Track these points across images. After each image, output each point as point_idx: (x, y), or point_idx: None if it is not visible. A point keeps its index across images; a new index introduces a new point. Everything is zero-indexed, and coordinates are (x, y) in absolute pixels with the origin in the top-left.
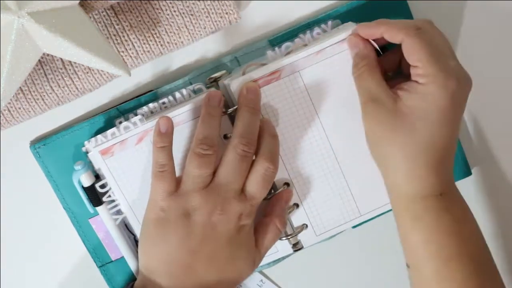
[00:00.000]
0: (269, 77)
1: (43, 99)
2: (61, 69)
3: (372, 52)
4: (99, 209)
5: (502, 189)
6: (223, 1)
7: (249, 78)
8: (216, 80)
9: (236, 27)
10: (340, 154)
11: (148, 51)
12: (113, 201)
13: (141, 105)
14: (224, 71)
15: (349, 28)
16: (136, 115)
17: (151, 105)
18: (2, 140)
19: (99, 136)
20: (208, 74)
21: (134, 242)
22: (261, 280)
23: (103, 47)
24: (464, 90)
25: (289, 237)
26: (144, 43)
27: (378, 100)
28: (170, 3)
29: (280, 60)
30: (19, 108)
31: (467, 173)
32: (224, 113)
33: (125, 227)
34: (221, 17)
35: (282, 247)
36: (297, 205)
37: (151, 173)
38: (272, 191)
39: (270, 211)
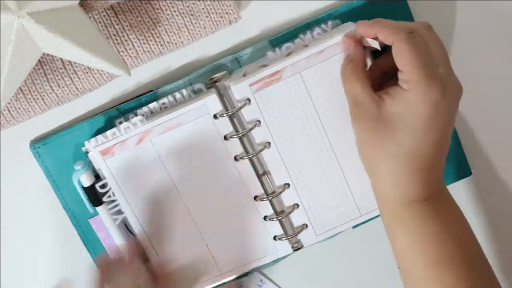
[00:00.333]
0: (270, 78)
1: (43, 99)
2: (61, 69)
3: (361, 56)
4: (99, 209)
5: (502, 189)
6: (223, 1)
7: (251, 80)
8: (216, 81)
9: (236, 27)
10: (340, 154)
11: (148, 51)
12: (113, 201)
13: (141, 105)
14: (224, 72)
15: (349, 28)
16: (136, 115)
17: (151, 105)
18: (2, 140)
19: (99, 136)
20: (208, 74)
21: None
22: (261, 280)
23: (103, 47)
24: (451, 98)
25: (289, 237)
26: (144, 43)
27: (362, 104)
28: (170, 3)
29: (281, 61)
30: (19, 108)
31: (467, 173)
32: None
33: (125, 227)
34: (221, 17)
35: (282, 247)
36: (297, 205)
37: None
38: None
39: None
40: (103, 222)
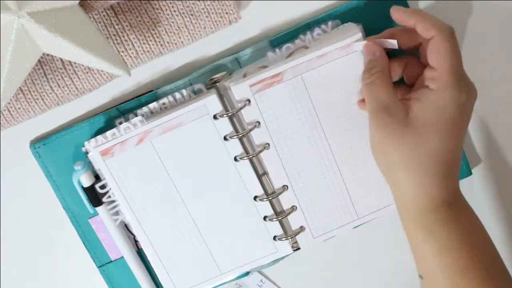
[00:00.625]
0: (271, 80)
1: (43, 99)
2: (61, 69)
3: (386, 60)
4: (99, 209)
5: (503, 189)
6: (223, 1)
7: (251, 81)
8: (216, 81)
9: (236, 27)
10: (339, 158)
11: (148, 51)
12: (113, 201)
13: (141, 105)
14: (224, 72)
15: (350, 28)
16: (136, 115)
17: (151, 105)
18: (2, 140)
19: (99, 136)
20: (208, 75)
21: (134, 242)
22: (261, 280)
23: (103, 47)
24: (471, 102)
25: (289, 237)
26: (144, 43)
27: (389, 110)
28: (170, 3)
29: (282, 63)
30: (19, 108)
31: (467, 173)
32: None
33: (125, 227)
34: (221, 17)
35: (282, 247)
36: (295, 207)
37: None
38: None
39: None
40: (103, 222)
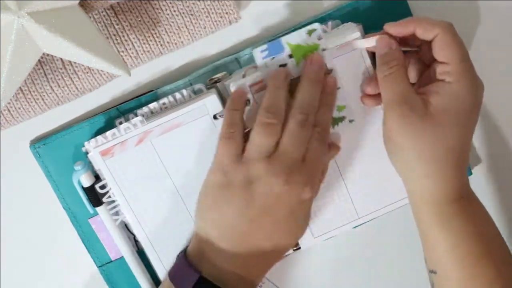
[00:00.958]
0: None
1: (43, 99)
2: (61, 69)
3: (402, 54)
4: (99, 209)
5: (502, 189)
6: (223, 1)
7: (250, 81)
8: (216, 81)
9: (236, 27)
10: (340, 158)
11: (148, 51)
12: (113, 201)
13: (141, 105)
14: (224, 72)
15: (350, 29)
16: (136, 115)
17: (151, 105)
18: (2, 140)
19: (99, 136)
20: (208, 75)
21: (134, 242)
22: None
23: (103, 47)
24: (481, 92)
25: None
26: (144, 43)
27: (409, 102)
28: (170, 3)
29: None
30: (19, 108)
31: (467, 173)
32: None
33: (125, 227)
34: (221, 17)
35: None
36: None
37: (217, 144)
38: None
39: None
40: (103, 222)
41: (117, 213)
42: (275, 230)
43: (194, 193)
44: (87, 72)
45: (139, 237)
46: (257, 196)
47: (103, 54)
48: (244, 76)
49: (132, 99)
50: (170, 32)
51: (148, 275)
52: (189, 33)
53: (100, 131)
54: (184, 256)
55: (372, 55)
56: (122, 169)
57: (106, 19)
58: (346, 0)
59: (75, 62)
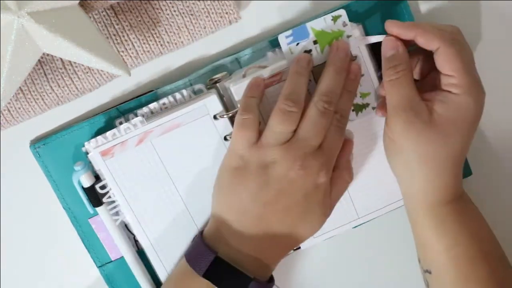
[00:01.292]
0: (270, 79)
1: (43, 99)
2: (61, 69)
3: (408, 56)
4: (99, 209)
5: (502, 189)
6: (223, 1)
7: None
8: (216, 81)
9: (236, 27)
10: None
11: (148, 51)
12: (113, 201)
13: (141, 105)
14: (225, 73)
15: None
16: (136, 115)
17: (151, 105)
18: (2, 140)
19: (99, 137)
20: (208, 75)
21: (134, 242)
22: None
23: (103, 47)
24: (484, 100)
25: None
26: (144, 43)
27: (414, 108)
28: (170, 3)
29: (280, 63)
30: (19, 108)
31: (467, 173)
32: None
33: (125, 227)
34: (221, 17)
35: None
36: None
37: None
38: None
39: (336, 165)
40: (103, 222)
41: (117, 213)
42: (288, 214)
43: (194, 193)
44: (87, 72)
45: (139, 237)
46: (272, 180)
47: (103, 54)
48: (244, 76)
49: (132, 99)
50: (170, 32)
51: (148, 275)
52: (189, 33)
53: (100, 131)
54: (200, 237)
55: (372, 54)
56: (122, 169)
57: (106, 19)
58: (346, 0)
59: (75, 62)
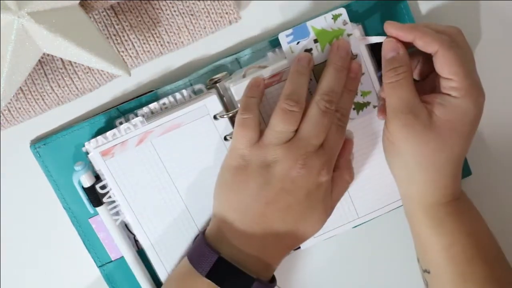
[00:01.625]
0: (270, 79)
1: (43, 99)
2: (61, 69)
3: (408, 58)
4: (99, 209)
5: (502, 189)
6: (223, 1)
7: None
8: (216, 81)
9: (236, 27)
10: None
11: (148, 51)
12: (113, 201)
13: (141, 105)
14: (225, 73)
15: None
16: (136, 115)
17: (151, 105)
18: (2, 140)
19: (99, 137)
20: (208, 75)
21: (134, 242)
22: None
23: (103, 47)
24: (483, 102)
25: None
26: (144, 43)
27: (414, 111)
28: (170, 3)
29: (280, 63)
30: (19, 108)
31: (467, 173)
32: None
33: (125, 227)
34: (221, 17)
35: None
36: None
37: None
38: None
39: (337, 165)
40: (103, 222)
41: (117, 213)
42: (290, 213)
43: (194, 193)
44: (87, 72)
45: (139, 237)
46: (274, 180)
47: (103, 54)
48: (244, 76)
49: (132, 99)
50: (170, 32)
51: (148, 275)
52: (189, 33)
53: (100, 131)
54: (203, 238)
55: (372, 53)
56: (123, 169)
57: (106, 19)
58: (346, 0)
59: (75, 62)
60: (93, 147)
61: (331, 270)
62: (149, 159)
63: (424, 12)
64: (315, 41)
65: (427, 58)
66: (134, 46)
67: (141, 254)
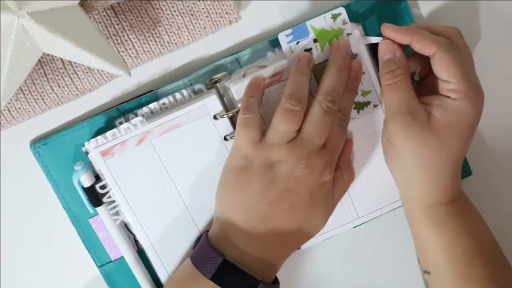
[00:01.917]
0: (270, 79)
1: (43, 99)
2: (61, 69)
3: (405, 60)
4: (99, 209)
5: (502, 189)
6: (223, 1)
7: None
8: (216, 81)
9: (236, 27)
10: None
11: (148, 51)
12: (113, 201)
13: (141, 105)
14: (224, 73)
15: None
16: (136, 115)
17: (151, 105)
18: (2, 140)
19: (99, 137)
20: (208, 75)
21: (134, 242)
22: None
23: (103, 47)
24: (483, 102)
25: None
26: (144, 43)
27: (412, 112)
28: (170, 3)
29: (280, 62)
30: (19, 108)
31: (467, 173)
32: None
33: (125, 227)
34: (221, 17)
35: None
36: None
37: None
38: None
39: (338, 164)
40: (103, 222)
41: (117, 213)
42: (294, 213)
43: (194, 193)
44: (87, 72)
45: (139, 237)
46: (277, 179)
47: (103, 54)
48: (244, 76)
49: (132, 99)
50: (170, 32)
51: (148, 275)
52: (189, 33)
53: (100, 131)
54: (206, 240)
55: (372, 53)
56: (122, 169)
57: (106, 19)
58: (346, 0)
59: (75, 62)
60: (93, 147)
61: (331, 270)
62: (149, 159)
63: (424, 12)
64: (315, 40)
65: (426, 59)
66: (134, 46)
67: (141, 254)
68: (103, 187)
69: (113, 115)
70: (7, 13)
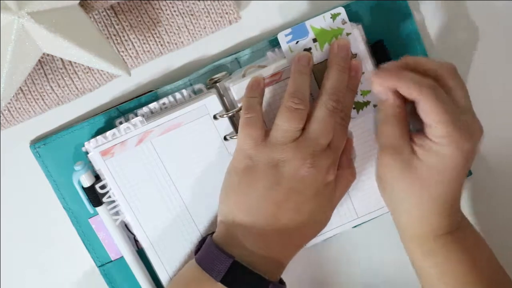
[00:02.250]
0: (270, 78)
1: (43, 99)
2: (61, 69)
3: (402, 103)
4: (99, 209)
5: (502, 189)
6: (223, 1)
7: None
8: (216, 81)
9: (236, 27)
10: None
11: (148, 51)
12: (113, 201)
13: (141, 105)
14: (224, 72)
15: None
16: (136, 115)
17: (151, 105)
18: (2, 140)
19: (99, 137)
20: (208, 75)
21: (134, 242)
22: None
23: (103, 47)
24: (476, 143)
25: None
26: (144, 43)
27: (398, 151)
28: (170, 3)
29: (280, 62)
30: (19, 108)
31: (467, 173)
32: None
33: (125, 227)
34: (221, 17)
35: None
36: None
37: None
38: None
39: (339, 164)
40: (103, 222)
41: (117, 213)
42: (300, 212)
43: (194, 193)
44: (87, 72)
45: (139, 237)
46: (283, 179)
47: (103, 54)
48: (244, 75)
49: (132, 99)
50: (170, 32)
51: (148, 275)
52: (189, 33)
53: (100, 131)
54: (212, 242)
55: (372, 53)
56: (122, 169)
57: (106, 19)
58: (346, 0)
59: (75, 62)
60: (93, 147)
61: (331, 270)
62: (149, 159)
63: (424, 12)
64: (314, 40)
65: None
66: (134, 46)
67: (141, 254)
68: (103, 187)
69: (113, 115)
70: (7, 13)
